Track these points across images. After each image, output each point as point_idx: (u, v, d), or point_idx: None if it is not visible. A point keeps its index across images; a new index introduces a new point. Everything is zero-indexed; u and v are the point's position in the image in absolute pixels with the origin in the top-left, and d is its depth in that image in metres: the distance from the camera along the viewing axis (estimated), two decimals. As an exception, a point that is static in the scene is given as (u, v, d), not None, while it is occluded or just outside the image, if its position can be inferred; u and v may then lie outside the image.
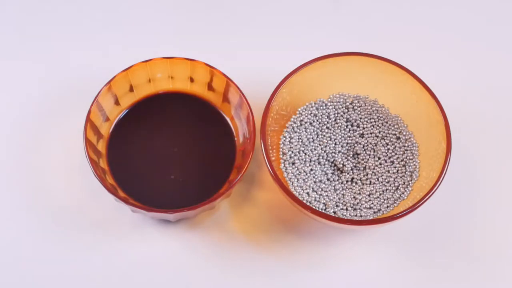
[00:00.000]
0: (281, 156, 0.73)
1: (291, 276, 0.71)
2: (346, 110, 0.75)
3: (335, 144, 0.74)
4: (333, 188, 0.72)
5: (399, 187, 0.72)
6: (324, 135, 0.74)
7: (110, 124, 0.73)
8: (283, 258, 0.72)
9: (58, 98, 0.77)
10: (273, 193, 0.74)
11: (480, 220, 0.74)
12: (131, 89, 0.74)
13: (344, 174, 0.73)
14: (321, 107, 0.75)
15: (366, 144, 0.74)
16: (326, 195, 0.71)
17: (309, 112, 0.75)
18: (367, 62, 0.73)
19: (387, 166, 0.73)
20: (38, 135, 0.76)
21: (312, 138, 0.74)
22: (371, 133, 0.75)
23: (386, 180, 0.73)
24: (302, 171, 0.72)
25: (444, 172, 0.68)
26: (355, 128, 0.75)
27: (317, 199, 0.71)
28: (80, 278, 0.70)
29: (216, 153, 0.73)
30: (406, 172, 0.73)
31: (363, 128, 0.75)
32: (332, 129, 0.75)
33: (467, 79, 0.81)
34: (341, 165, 0.73)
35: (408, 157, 0.73)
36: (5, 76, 0.79)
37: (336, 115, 0.75)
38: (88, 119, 0.70)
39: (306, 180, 0.72)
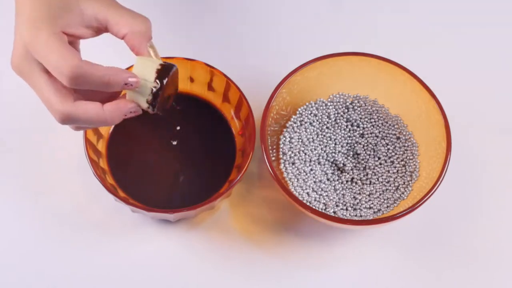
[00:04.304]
0: (281, 156, 0.73)
1: (291, 276, 0.71)
2: (346, 110, 0.75)
3: (335, 144, 0.74)
4: (333, 188, 0.72)
5: (399, 187, 0.72)
6: (324, 135, 0.74)
7: (110, 124, 0.73)
8: (283, 258, 0.72)
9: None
10: (273, 193, 0.74)
11: (480, 220, 0.74)
12: (131, 89, 0.74)
13: (344, 174, 0.73)
14: (321, 107, 0.75)
15: (366, 144, 0.74)
16: (326, 195, 0.71)
17: (309, 112, 0.75)
18: (367, 62, 0.73)
19: (387, 166, 0.73)
20: (38, 135, 0.76)
21: (312, 138, 0.74)
22: (371, 133, 0.75)
23: (386, 180, 0.73)
24: (302, 171, 0.72)
25: (444, 172, 0.68)
26: (355, 128, 0.75)
27: (317, 199, 0.71)
28: (80, 278, 0.70)
29: (216, 153, 0.73)
30: (406, 172, 0.73)
31: (363, 128, 0.75)
32: (332, 129, 0.75)
33: (467, 79, 0.81)
34: (342, 165, 0.73)
35: (408, 157, 0.73)
36: (5, 76, 0.79)
37: (336, 115, 0.75)
38: (88, 119, 0.70)
39: (306, 180, 0.72)
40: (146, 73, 0.59)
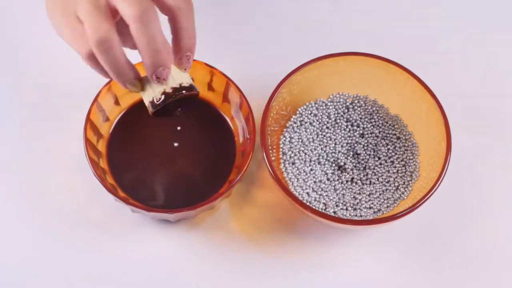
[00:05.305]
0: (281, 156, 0.73)
1: (291, 276, 0.71)
2: (346, 110, 0.75)
3: (335, 144, 0.74)
4: (333, 188, 0.72)
5: (399, 187, 0.72)
6: (324, 135, 0.74)
7: (110, 124, 0.73)
8: (283, 258, 0.72)
9: (58, 98, 0.77)
10: (273, 193, 0.74)
11: (480, 220, 0.74)
12: (131, 89, 0.74)
13: (344, 174, 0.73)
14: (321, 107, 0.75)
15: (366, 144, 0.74)
16: (326, 195, 0.71)
17: (309, 112, 0.75)
18: (367, 62, 0.73)
19: (387, 166, 0.73)
20: (38, 135, 0.76)
21: (312, 138, 0.74)
22: (371, 133, 0.75)
23: (386, 180, 0.73)
24: (302, 171, 0.72)
25: (444, 172, 0.68)
26: (355, 128, 0.75)
27: (317, 199, 0.71)
28: (80, 278, 0.70)
29: (216, 153, 0.73)
30: (406, 172, 0.73)
31: (363, 128, 0.75)
32: (332, 129, 0.75)
33: (467, 79, 0.81)
34: (342, 164, 0.73)
35: (408, 157, 0.73)
36: (5, 77, 0.79)
37: (336, 115, 0.75)
38: (88, 119, 0.70)
39: (306, 180, 0.72)
40: (175, 74, 0.60)
